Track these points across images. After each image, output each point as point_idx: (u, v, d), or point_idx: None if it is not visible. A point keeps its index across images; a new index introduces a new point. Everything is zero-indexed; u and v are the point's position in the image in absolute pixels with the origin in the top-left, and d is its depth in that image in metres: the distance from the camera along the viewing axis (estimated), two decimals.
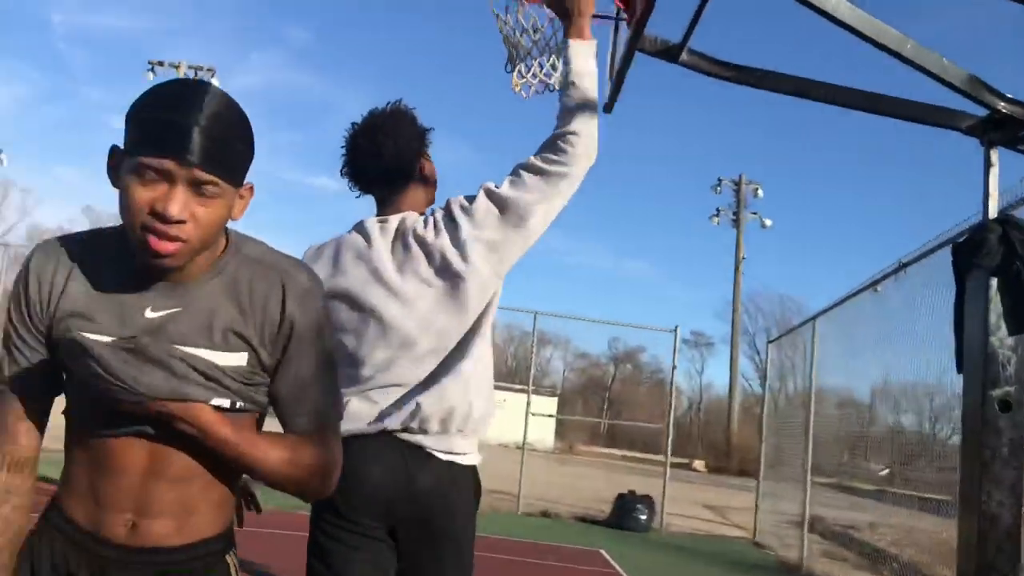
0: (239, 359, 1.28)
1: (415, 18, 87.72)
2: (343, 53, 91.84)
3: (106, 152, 1.27)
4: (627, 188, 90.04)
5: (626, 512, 10.95)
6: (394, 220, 2.11)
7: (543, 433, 30.04)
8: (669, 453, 11.91)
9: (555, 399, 36.64)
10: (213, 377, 1.24)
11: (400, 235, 2.08)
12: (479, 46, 73.58)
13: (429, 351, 2.02)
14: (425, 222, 2.09)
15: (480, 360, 2.11)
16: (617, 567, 7.90)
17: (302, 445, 1.33)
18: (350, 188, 2.21)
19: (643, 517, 10.93)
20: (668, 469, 11.83)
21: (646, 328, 13.09)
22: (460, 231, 2.02)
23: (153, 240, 1.17)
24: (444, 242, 2.03)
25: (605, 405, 52.82)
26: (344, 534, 1.94)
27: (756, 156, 77.57)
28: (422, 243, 2.05)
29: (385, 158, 2.10)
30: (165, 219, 1.16)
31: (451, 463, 2.03)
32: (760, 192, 37.60)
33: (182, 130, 1.18)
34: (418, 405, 1.96)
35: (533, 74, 3.98)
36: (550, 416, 24.66)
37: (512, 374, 58.65)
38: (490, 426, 2.21)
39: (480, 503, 2.29)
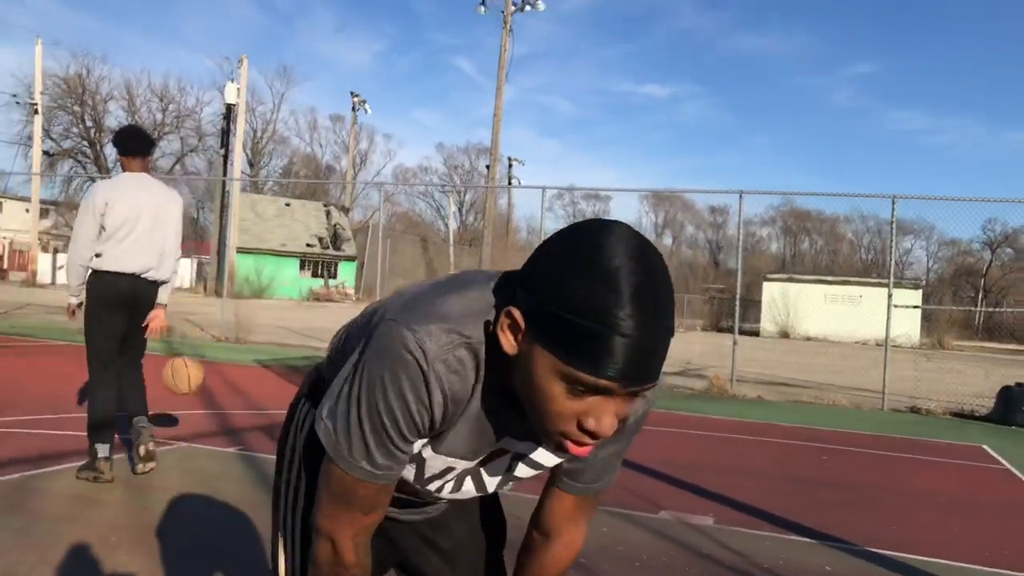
0: None
1: None
2: None
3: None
4: (1002, 49, 77.66)
5: (1014, 406, 9.89)
6: None
7: (907, 328, 27.80)
8: None
9: (919, 292, 33.55)
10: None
11: None
12: None
13: None
14: None
15: None
16: (1005, 463, 7.25)
17: None
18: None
19: None
20: None
21: None
22: None
23: (571, 446, 1.04)
24: None
25: (980, 295, 47.20)
26: None
27: None
28: None
29: None
30: (595, 436, 1.02)
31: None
32: None
33: (653, 360, 0.99)
34: None
35: None
36: (914, 307, 22.67)
37: (867, 267, 54.67)
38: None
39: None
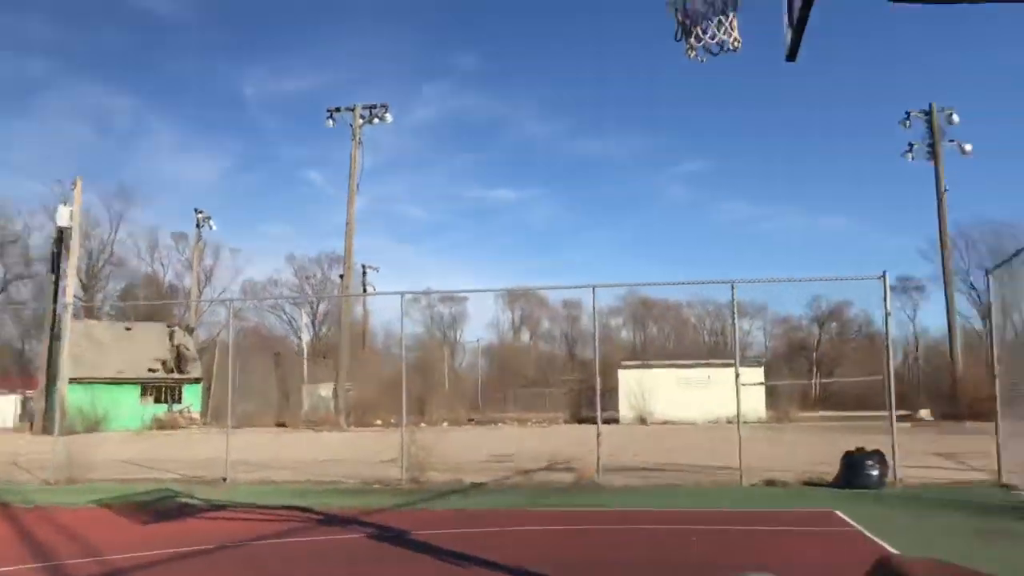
0: None
1: (572, 22, 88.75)
2: (510, 68, 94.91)
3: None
4: (810, 144, 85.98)
5: (856, 470, 10.47)
6: None
7: (753, 404, 29.18)
8: (893, 402, 11.26)
9: (760, 368, 35.46)
10: None
11: None
12: (634, 33, 73.09)
13: None
14: None
15: None
16: (854, 524, 7.61)
17: None
18: None
19: (875, 473, 10.41)
20: (894, 420, 11.19)
21: (850, 279, 12.42)
22: None
23: None
24: None
25: (814, 368, 50.54)
26: None
27: (944, 82, 72.48)
28: None
29: None
30: None
31: None
32: (955, 117, 35.09)
33: None
34: None
35: (711, 35, 3.97)
36: (759, 384, 23.93)
37: (712, 350, 57.51)
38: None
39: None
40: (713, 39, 3.75)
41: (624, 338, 71.86)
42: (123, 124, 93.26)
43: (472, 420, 39.65)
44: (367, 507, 9.54)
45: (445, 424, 34.60)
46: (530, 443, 20.01)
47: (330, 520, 8.57)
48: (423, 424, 30.83)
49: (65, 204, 36.41)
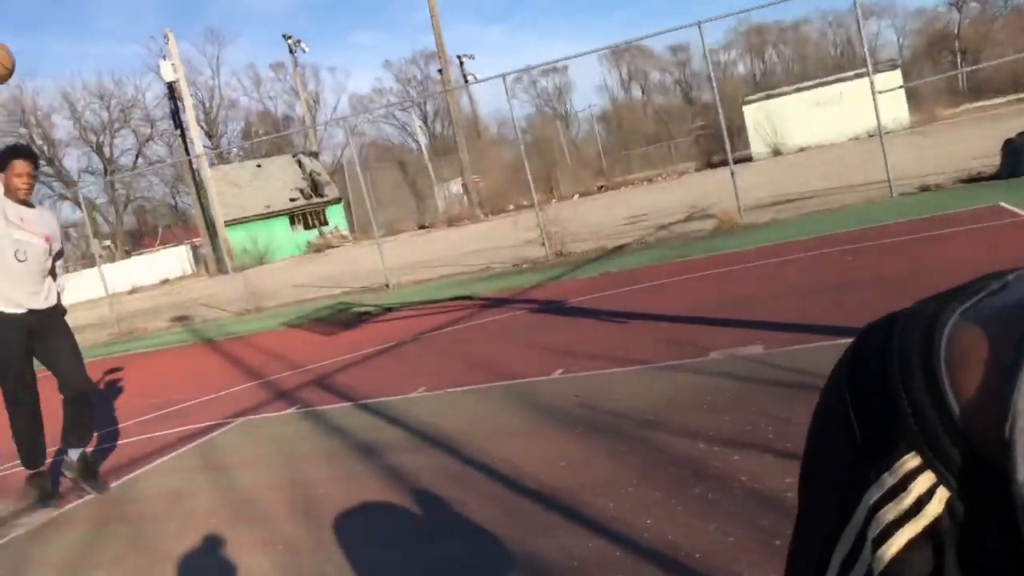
0: None
1: None
2: None
3: None
4: None
5: (1019, 156, 9.90)
6: None
7: (895, 112, 27.52)
8: None
9: (897, 72, 32.99)
10: None
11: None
12: None
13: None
14: None
15: None
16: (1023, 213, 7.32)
17: None
18: None
19: None
20: None
21: None
22: None
23: None
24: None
25: (958, 58, 46.56)
26: None
27: None
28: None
29: None
30: None
31: None
32: None
33: None
34: None
35: None
36: (898, 88, 22.39)
37: (839, 65, 53.81)
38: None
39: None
40: None
41: (743, 72, 68.33)
42: None
43: (602, 187, 39.75)
44: (521, 286, 10.03)
45: (576, 196, 34.92)
46: (664, 198, 19.98)
47: (491, 303, 9.11)
48: (554, 200, 31.26)
49: (165, 59, 37.15)
